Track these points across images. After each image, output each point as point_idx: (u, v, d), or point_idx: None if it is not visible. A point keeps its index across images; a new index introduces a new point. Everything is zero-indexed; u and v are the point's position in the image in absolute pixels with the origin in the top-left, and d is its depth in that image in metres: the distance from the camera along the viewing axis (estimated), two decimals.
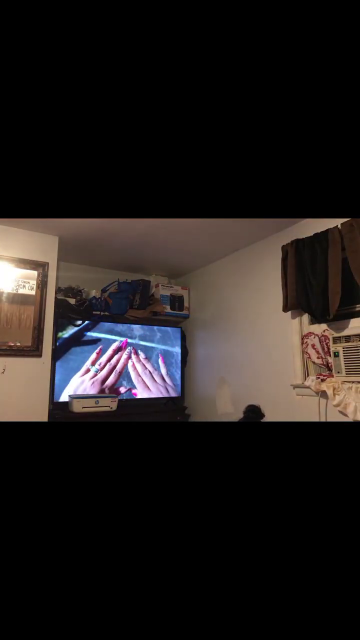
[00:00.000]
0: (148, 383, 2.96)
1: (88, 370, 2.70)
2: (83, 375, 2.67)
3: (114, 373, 2.80)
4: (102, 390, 2.72)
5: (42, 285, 2.33)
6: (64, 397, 2.56)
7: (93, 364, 2.72)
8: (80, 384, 2.64)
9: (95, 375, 2.71)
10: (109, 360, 2.80)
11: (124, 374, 2.86)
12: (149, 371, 2.99)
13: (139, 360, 2.96)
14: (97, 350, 2.76)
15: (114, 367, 2.82)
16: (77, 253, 2.73)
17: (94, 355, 2.74)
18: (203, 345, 3.09)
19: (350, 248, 1.77)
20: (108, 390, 2.75)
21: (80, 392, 2.62)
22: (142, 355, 2.98)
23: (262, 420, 2.01)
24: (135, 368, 2.93)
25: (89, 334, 2.77)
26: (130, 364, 2.90)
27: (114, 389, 2.78)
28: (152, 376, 3.00)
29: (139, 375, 2.93)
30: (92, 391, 2.67)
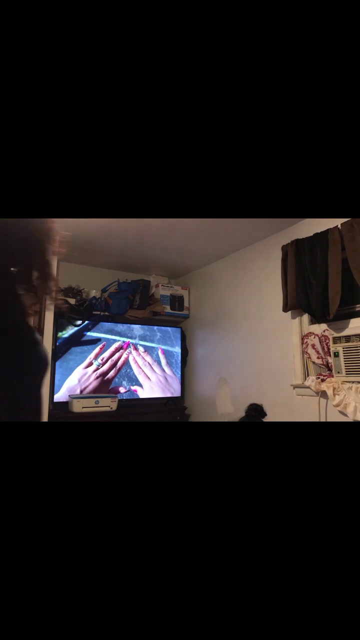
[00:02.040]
0: (149, 374, 2.98)
1: (91, 364, 2.74)
2: (86, 367, 2.72)
3: (114, 369, 2.84)
4: (103, 383, 2.76)
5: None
6: (63, 393, 2.57)
7: (95, 357, 2.77)
8: (83, 375, 2.69)
9: (98, 368, 2.76)
10: (111, 356, 2.85)
11: (124, 374, 2.87)
12: (149, 363, 3.02)
13: (139, 354, 2.99)
14: (100, 346, 2.81)
15: (115, 362, 2.86)
16: (77, 253, 2.73)
17: (97, 349, 2.78)
18: (203, 345, 3.09)
19: (350, 248, 1.77)
20: (109, 386, 2.77)
21: (83, 382, 2.68)
22: (141, 349, 3.00)
23: (263, 419, 2.02)
24: (136, 361, 2.95)
25: (88, 334, 2.77)
26: (131, 358, 2.93)
27: (112, 387, 2.79)
28: (152, 368, 3.02)
29: (140, 367, 2.96)
30: (94, 383, 2.72)
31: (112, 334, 2.86)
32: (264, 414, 2.03)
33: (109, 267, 3.08)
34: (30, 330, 0.76)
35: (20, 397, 0.77)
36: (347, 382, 1.79)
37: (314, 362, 2.04)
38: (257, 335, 2.48)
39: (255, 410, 2.04)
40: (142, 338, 3.02)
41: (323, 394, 1.91)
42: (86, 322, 2.75)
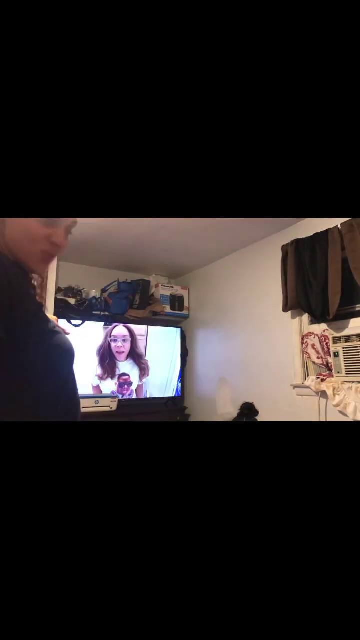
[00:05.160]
0: (149, 381, 2.98)
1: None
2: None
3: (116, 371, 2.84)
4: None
5: (42, 285, 2.33)
6: None
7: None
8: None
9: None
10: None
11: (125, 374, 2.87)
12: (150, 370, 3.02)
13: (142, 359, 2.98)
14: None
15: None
16: (77, 253, 2.73)
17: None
18: (203, 345, 3.09)
19: (350, 248, 1.77)
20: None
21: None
22: (143, 354, 2.99)
23: (255, 417, 2.05)
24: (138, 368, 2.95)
25: None
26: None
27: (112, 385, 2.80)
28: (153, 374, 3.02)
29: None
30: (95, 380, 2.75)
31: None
32: (256, 412, 2.04)
33: (109, 267, 3.08)
34: (49, 320, 0.77)
35: (58, 390, 0.77)
36: (347, 382, 1.79)
37: (314, 362, 2.04)
38: (257, 335, 2.48)
39: (248, 408, 2.06)
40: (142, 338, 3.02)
41: (323, 394, 1.91)
42: (86, 322, 2.74)
